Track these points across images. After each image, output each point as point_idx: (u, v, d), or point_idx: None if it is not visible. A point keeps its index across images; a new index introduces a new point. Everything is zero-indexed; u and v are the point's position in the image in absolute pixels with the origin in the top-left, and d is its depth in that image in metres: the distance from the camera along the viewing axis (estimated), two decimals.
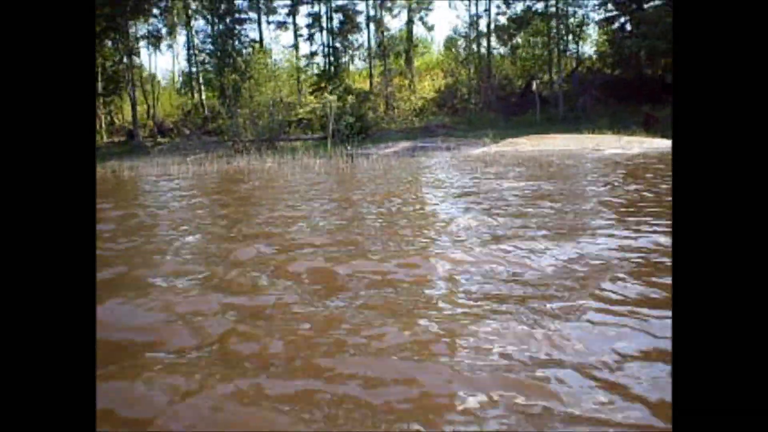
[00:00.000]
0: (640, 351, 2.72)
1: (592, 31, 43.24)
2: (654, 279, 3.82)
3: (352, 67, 45.78)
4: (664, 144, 22.28)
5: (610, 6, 40.85)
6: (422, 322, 3.16)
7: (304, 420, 2.18)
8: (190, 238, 6.33)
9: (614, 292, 3.56)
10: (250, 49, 39.82)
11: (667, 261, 4.31)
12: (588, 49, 43.02)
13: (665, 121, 29.84)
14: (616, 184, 10.32)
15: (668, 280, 3.71)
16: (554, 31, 38.94)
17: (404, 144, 28.28)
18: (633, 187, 9.65)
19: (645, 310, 3.22)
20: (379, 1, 41.40)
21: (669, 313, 3.09)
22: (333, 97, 29.54)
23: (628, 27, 39.75)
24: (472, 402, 2.26)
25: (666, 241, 4.95)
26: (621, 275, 3.90)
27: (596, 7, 40.95)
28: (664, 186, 9.40)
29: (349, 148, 27.72)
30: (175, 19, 42.77)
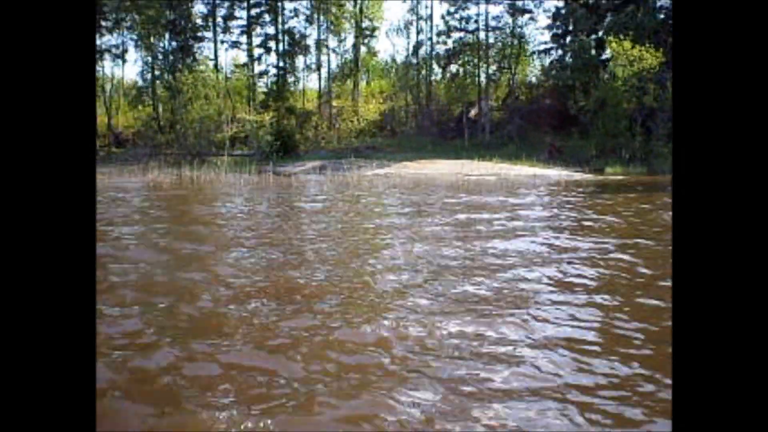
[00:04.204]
0: None
1: (536, 61, 44.97)
2: None
3: (308, 86, 47.60)
4: (532, 171, 23.92)
5: (546, 38, 42.89)
6: None
7: None
8: None
9: None
10: (203, 67, 41.72)
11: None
12: (527, 77, 44.61)
13: (569, 151, 31.48)
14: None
15: None
16: (484, 60, 40.62)
17: (313, 163, 29.92)
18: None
19: None
20: (325, 26, 43.27)
21: None
22: (251, 117, 31.21)
23: (569, 59, 41.41)
24: None
25: None
26: None
27: (533, 39, 42.93)
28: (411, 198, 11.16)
29: (264, 165, 29.44)
30: (134, 33, 44.61)
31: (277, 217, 10.85)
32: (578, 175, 23.41)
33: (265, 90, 44.20)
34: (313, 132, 40.85)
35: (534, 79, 44.54)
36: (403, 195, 14.38)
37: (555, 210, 11.40)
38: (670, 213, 11.22)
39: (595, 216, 10.62)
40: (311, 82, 47.73)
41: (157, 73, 44.48)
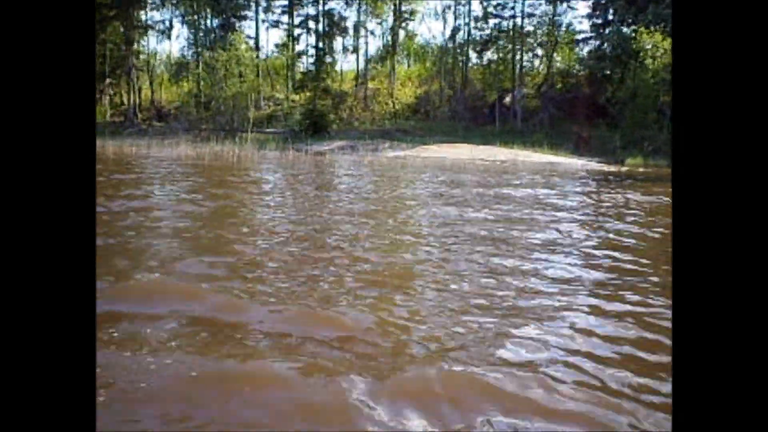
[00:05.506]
0: None
1: (574, 50, 44.55)
2: None
3: (345, 68, 48.10)
4: (548, 159, 24.09)
5: (585, 26, 42.50)
6: None
7: None
8: None
9: None
10: (242, 45, 42.43)
11: None
12: (564, 66, 44.27)
13: (596, 142, 31.44)
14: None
15: None
16: (520, 48, 40.57)
17: (339, 143, 30.50)
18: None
19: None
20: (363, 8, 43.64)
21: None
22: (282, 96, 31.89)
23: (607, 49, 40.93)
24: None
25: None
26: None
27: (572, 27, 42.67)
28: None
29: (290, 143, 30.20)
30: (178, 10, 45.62)
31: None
32: (595, 165, 23.49)
33: (303, 70, 44.85)
34: (347, 113, 41.39)
35: (571, 68, 44.14)
36: (395, 173, 15.05)
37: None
38: (634, 197, 11.48)
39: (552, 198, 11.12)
40: (349, 64, 48.10)
41: (199, 49, 45.41)
